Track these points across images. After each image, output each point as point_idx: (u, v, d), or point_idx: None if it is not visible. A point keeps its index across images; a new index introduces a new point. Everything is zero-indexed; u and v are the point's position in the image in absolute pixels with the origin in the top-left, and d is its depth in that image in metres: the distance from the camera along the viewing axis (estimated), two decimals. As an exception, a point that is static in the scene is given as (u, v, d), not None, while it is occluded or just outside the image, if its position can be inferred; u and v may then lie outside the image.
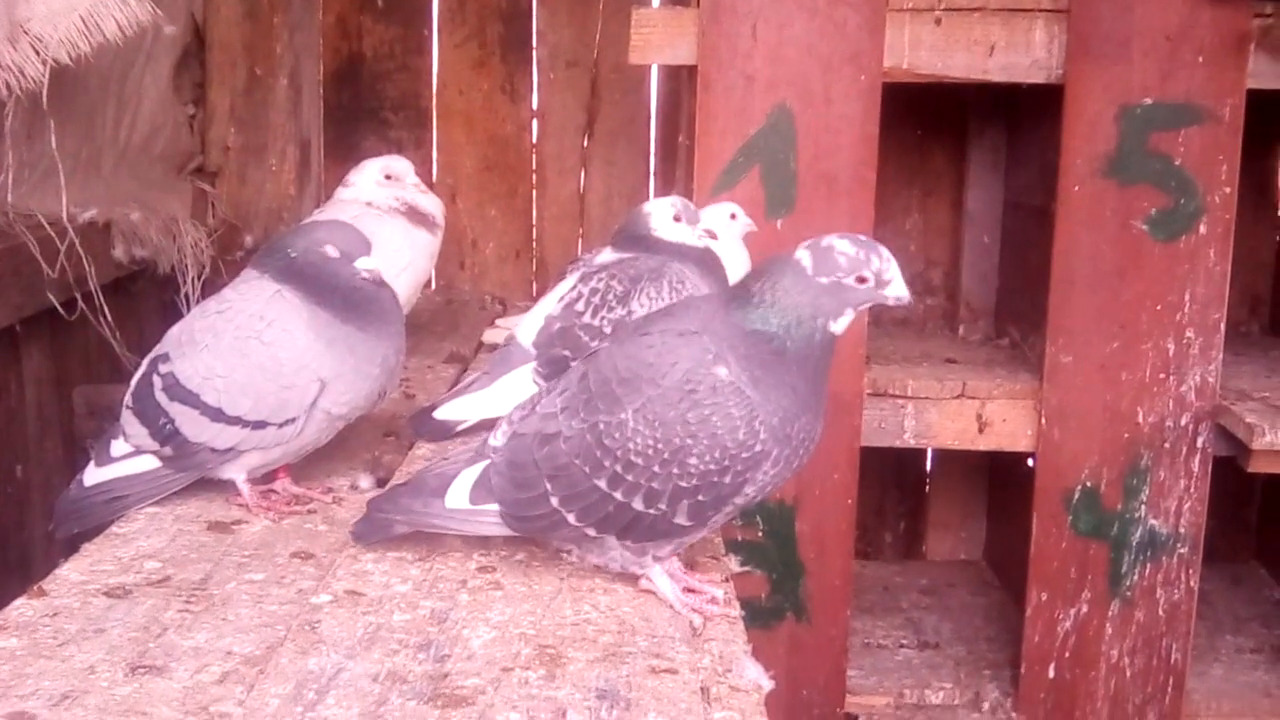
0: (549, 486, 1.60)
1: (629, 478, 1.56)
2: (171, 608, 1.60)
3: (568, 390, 1.63)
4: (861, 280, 1.54)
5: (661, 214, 2.31)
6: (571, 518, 1.60)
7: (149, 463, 1.94)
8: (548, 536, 1.67)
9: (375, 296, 1.95)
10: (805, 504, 2.94)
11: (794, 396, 1.54)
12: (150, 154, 3.49)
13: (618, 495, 1.57)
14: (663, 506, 1.56)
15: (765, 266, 1.59)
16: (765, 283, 1.55)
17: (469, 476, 1.66)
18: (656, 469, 1.54)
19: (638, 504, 1.57)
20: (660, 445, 1.54)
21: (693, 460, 1.53)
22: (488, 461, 1.66)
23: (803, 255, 1.55)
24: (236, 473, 1.95)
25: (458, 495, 1.66)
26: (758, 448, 1.53)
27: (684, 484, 1.55)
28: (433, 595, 1.65)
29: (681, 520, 1.58)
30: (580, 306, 2.23)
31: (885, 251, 1.55)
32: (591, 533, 1.61)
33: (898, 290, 1.55)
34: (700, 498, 1.56)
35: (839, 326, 1.56)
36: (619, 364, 1.59)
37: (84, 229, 2.91)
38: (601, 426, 1.57)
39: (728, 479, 1.54)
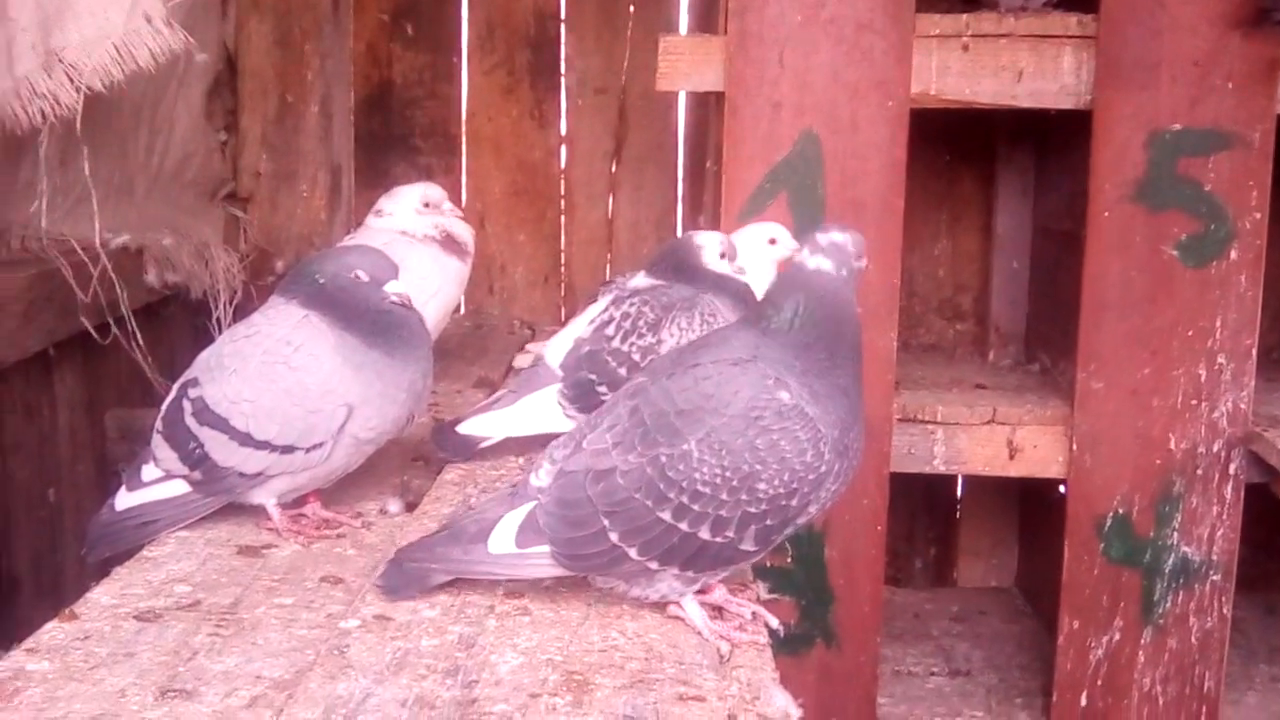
0: (607, 523, 1.60)
1: (695, 507, 1.56)
2: (201, 632, 1.61)
3: (617, 425, 1.63)
4: (859, 258, 1.65)
5: (712, 248, 2.31)
6: (633, 552, 1.60)
7: (179, 487, 1.94)
8: (607, 573, 1.66)
9: (403, 321, 1.96)
10: (834, 530, 2.93)
11: (847, 402, 1.59)
12: (182, 180, 3.52)
13: (683, 526, 1.57)
14: (730, 534, 1.57)
15: (785, 286, 1.65)
16: (798, 300, 1.61)
17: (513, 520, 1.65)
18: (725, 496, 1.55)
19: (704, 533, 1.57)
20: (729, 473, 1.55)
21: (761, 485, 1.55)
22: (533, 503, 1.65)
23: (821, 263, 1.63)
24: (266, 497, 1.96)
25: (502, 540, 1.64)
26: (823, 467, 1.56)
27: (753, 509, 1.56)
28: (461, 620, 1.64)
29: (748, 546, 1.59)
30: (610, 331, 2.23)
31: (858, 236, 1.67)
32: (654, 566, 1.61)
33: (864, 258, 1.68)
34: (769, 522, 1.58)
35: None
36: (675, 396, 1.60)
37: (116, 254, 2.93)
38: (663, 459, 1.57)
39: (795, 501, 1.57)
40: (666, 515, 1.57)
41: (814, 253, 1.63)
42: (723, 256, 2.31)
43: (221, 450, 1.90)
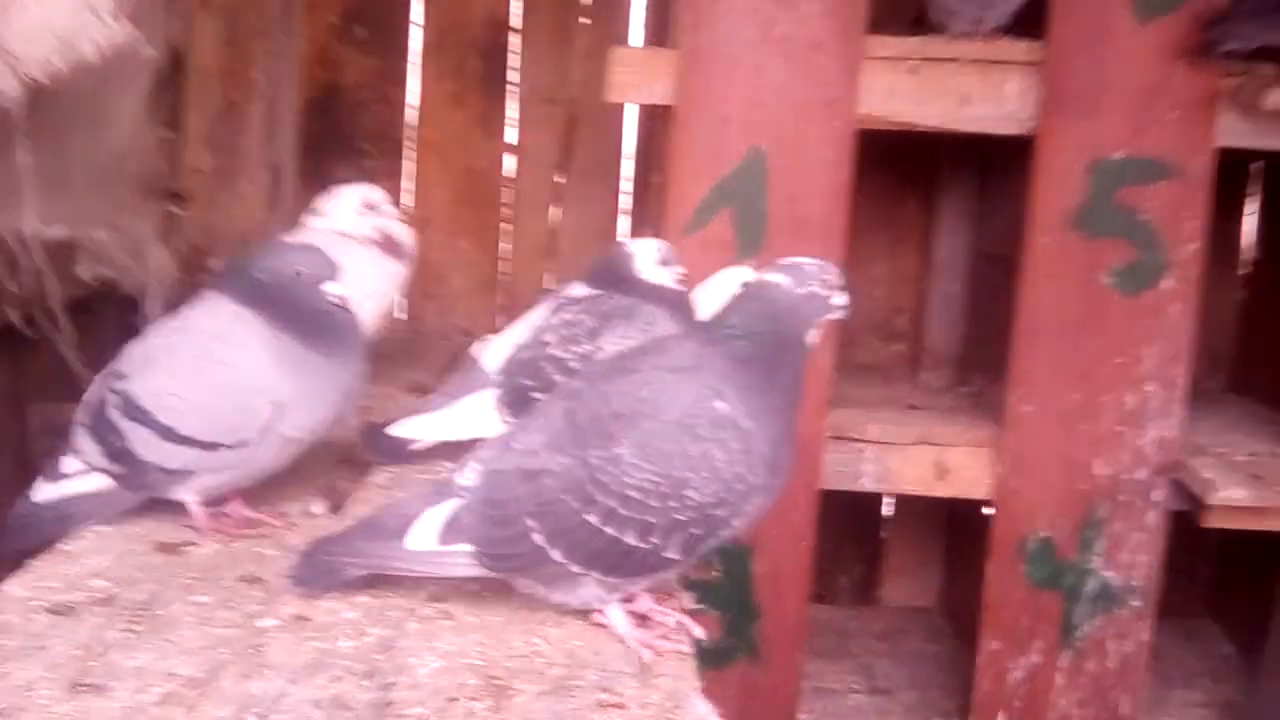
0: (532, 523, 1.59)
1: (624, 512, 1.56)
2: (115, 627, 1.59)
3: (550, 426, 1.62)
4: (826, 285, 1.65)
5: (646, 256, 2.31)
6: (557, 555, 1.59)
7: (100, 481, 1.92)
8: (527, 575, 1.65)
9: (338, 321, 1.95)
10: (762, 545, 2.94)
11: (783, 422, 1.60)
12: (121, 175, 3.47)
13: (610, 530, 1.57)
14: (656, 540, 1.57)
15: (742, 301, 1.65)
16: (748, 314, 1.63)
17: (435, 516, 1.63)
18: (654, 503, 1.55)
19: (630, 539, 1.57)
20: (659, 479, 1.55)
21: (691, 493, 1.55)
22: (457, 501, 1.64)
23: (778, 277, 1.64)
24: (188, 494, 1.93)
25: (422, 536, 1.63)
26: (753, 479, 1.57)
27: (681, 517, 1.56)
28: (381, 623, 1.63)
29: (672, 554, 1.59)
30: (549, 338, 2.23)
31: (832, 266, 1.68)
32: (576, 569, 1.60)
33: (843, 298, 1.67)
34: (695, 531, 1.58)
35: (811, 338, 1.66)
36: (611, 400, 1.60)
37: (49, 246, 2.89)
38: (595, 461, 1.57)
39: (723, 511, 1.57)
40: (594, 518, 1.57)
41: (774, 270, 1.65)
42: (662, 264, 2.31)
43: (145, 445, 1.87)
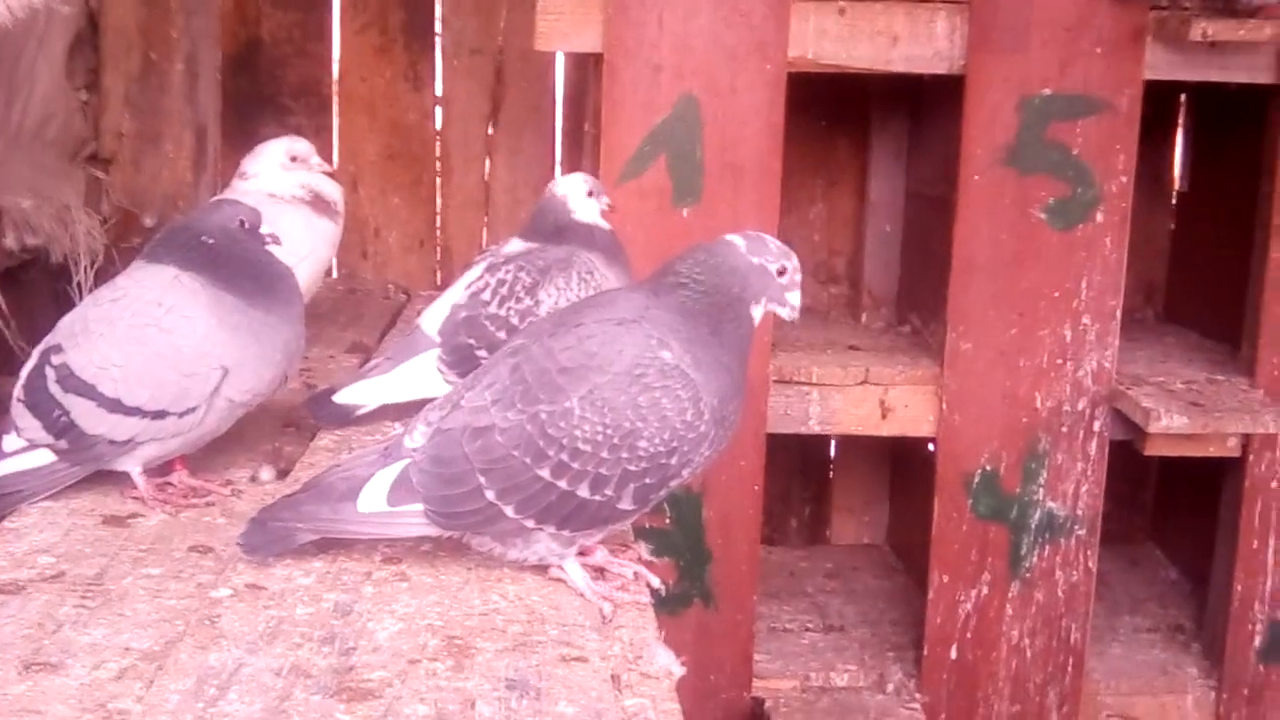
0: (483, 480, 1.58)
1: (575, 465, 1.56)
2: (66, 604, 1.57)
3: (497, 383, 1.61)
4: (781, 272, 1.64)
5: (575, 193, 2.31)
6: (510, 510, 1.59)
7: (44, 457, 1.88)
8: (480, 532, 1.64)
9: (280, 278, 1.93)
10: (712, 491, 2.96)
11: (729, 377, 1.61)
12: (43, 140, 3.39)
13: (562, 484, 1.57)
14: (609, 492, 1.57)
15: (691, 252, 1.65)
16: (695, 264, 1.62)
17: (385, 478, 1.62)
18: (605, 454, 1.56)
19: (583, 491, 1.57)
20: (610, 430, 1.55)
21: (642, 443, 1.56)
22: (406, 461, 1.63)
23: (735, 239, 1.65)
24: (132, 465, 1.90)
25: (373, 498, 1.62)
26: (702, 428, 1.57)
27: (632, 468, 1.57)
28: (337, 588, 1.62)
29: (626, 505, 1.59)
30: (487, 296, 2.22)
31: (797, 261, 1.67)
32: (530, 524, 1.60)
33: (796, 299, 1.68)
34: (647, 480, 1.58)
35: (757, 314, 1.65)
36: (557, 355, 1.59)
37: (-28, 216, 2.83)
38: (544, 416, 1.56)
39: (674, 460, 1.58)
40: (545, 473, 1.57)
41: (740, 235, 1.65)
42: (590, 195, 2.32)
43: (89, 418, 1.84)
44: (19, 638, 1.47)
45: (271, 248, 1.94)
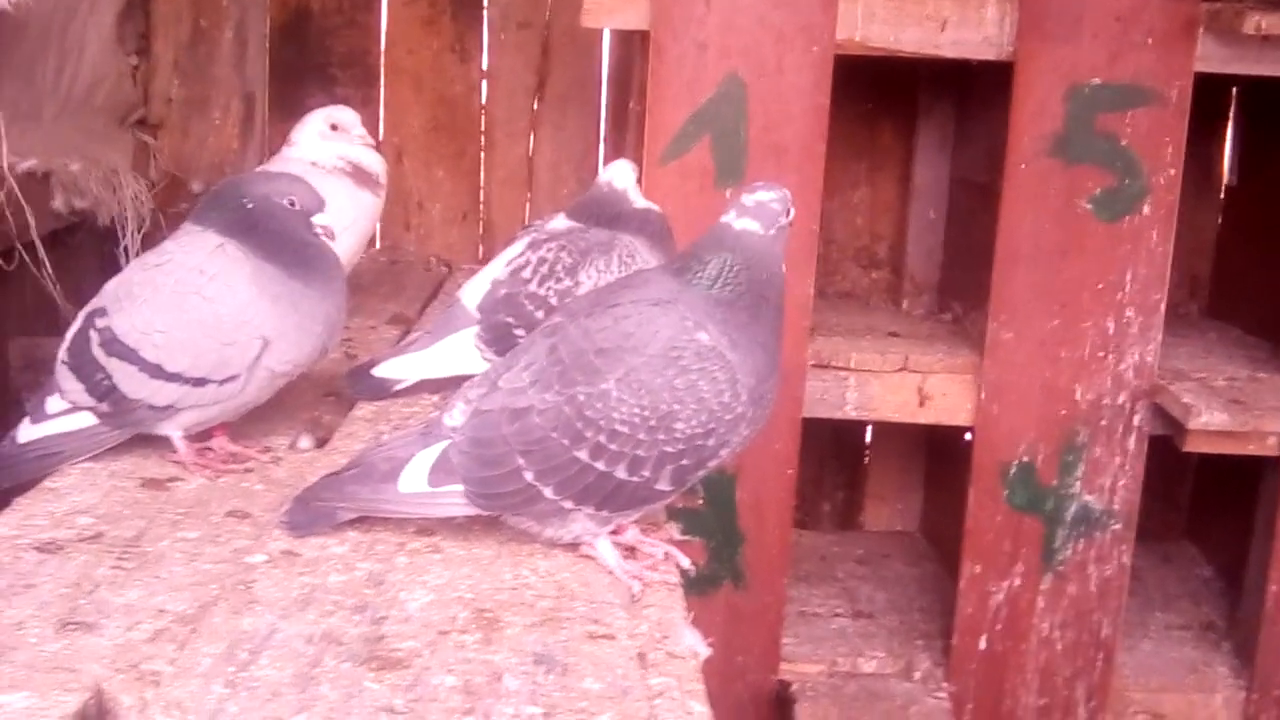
0: (522, 462, 1.59)
1: (613, 447, 1.57)
2: (104, 564, 1.59)
3: (535, 364, 1.62)
4: (787, 214, 1.66)
5: (630, 181, 2.31)
6: (548, 491, 1.60)
7: (85, 419, 1.90)
8: (520, 513, 1.66)
9: (321, 253, 1.94)
10: (746, 473, 2.96)
11: (765, 356, 1.61)
12: (92, 105, 3.42)
13: (600, 465, 1.58)
14: (646, 473, 1.58)
15: (711, 244, 1.64)
16: (723, 262, 1.61)
17: (425, 459, 1.64)
18: (643, 436, 1.56)
19: (621, 473, 1.58)
20: (647, 412, 1.56)
21: (679, 425, 1.56)
22: (446, 442, 1.64)
23: (748, 224, 1.63)
24: (173, 430, 1.92)
25: (414, 478, 1.64)
26: (739, 409, 1.58)
27: (669, 449, 1.57)
28: (370, 557, 1.64)
29: (663, 486, 1.60)
30: (527, 274, 2.22)
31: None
32: (569, 505, 1.61)
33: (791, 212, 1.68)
34: (684, 462, 1.59)
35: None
36: (594, 335, 1.60)
37: (23, 179, 2.85)
38: (581, 398, 1.57)
39: (711, 441, 1.58)
40: (583, 454, 1.57)
41: (741, 215, 1.64)
42: (637, 182, 2.32)
43: (131, 382, 1.86)
44: (56, 596, 1.49)
45: (323, 217, 1.94)
